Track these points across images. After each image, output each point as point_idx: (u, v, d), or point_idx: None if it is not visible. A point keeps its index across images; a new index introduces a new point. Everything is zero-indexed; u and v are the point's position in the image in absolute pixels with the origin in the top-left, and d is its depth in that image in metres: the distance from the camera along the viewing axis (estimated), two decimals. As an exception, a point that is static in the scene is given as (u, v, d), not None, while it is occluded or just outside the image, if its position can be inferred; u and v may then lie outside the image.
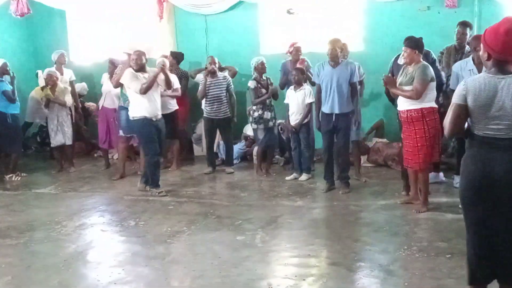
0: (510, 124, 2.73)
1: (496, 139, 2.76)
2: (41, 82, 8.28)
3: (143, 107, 6.09)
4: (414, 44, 5.10)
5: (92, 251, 4.60)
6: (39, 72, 8.43)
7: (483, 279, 2.94)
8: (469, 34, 6.07)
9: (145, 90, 6.00)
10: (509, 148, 2.74)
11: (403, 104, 5.15)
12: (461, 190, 2.95)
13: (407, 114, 5.11)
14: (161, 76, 6.17)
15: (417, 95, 4.99)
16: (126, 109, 6.96)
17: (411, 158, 5.17)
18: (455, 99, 2.86)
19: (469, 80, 2.87)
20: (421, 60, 5.12)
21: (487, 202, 2.80)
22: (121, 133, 7.21)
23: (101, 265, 4.22)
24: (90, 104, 9.03)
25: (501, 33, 2.69)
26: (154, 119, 6.17)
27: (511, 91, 2.70)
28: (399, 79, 5.20)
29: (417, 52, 5.08)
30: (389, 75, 5.29)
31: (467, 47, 5.97)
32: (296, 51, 7.24)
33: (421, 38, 5.19)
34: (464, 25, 6.09)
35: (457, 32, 6.11)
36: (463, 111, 2.83)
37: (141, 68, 6.15)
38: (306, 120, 6.65)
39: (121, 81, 6.38)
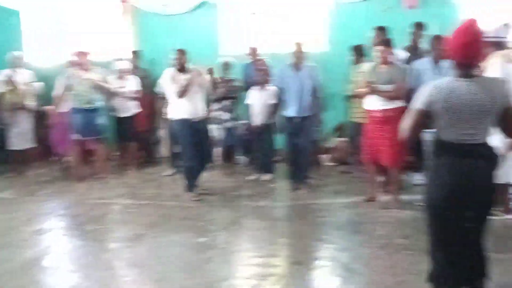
0: (481, 129, 2.68)
1: (470, 145, 2.68)
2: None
3: (182, 108, 5.87)
4: (390, 44, 5.17)
5: (50, 256, 4.47)
6: None
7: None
8: (421, 34, 6.29)
9: (180, 95, 5.80)
10: (482, 154, 2.69)
11: (378, 104, 5.17)
12: (433, 200, 2.80)
13: (384, 114, 5.14)
14: (202, 80, 5.95)
15: (403, 95, 5.03)
16: (84, 111, 6.82)
17: (386, 156, 5.22)
18: (419, 104, 2.77)
19: (436, 84, 2.77)
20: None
21: (461, 210, 2.71)
22: (77, 136, 6.99)
23: (59, 271, 4.10)
24: (49, 108, 8.78)
25: (460, 37, 2.68)
26: (193, 120, 5.95)
27: (479, 95, 2.65)
28: (372, 79, 5.19)
29: (391, 52, 5.16)
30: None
31: (422, 46, 6.16)
32: (253, 52, 7.28)
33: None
34: (417, 26, 6.33)
35: (411, 33, 6.29)
36: (426, 118, 2.77)
37: (183, 68, 5.91)
38: (269, 121, 6.66)
39: (160, 81, 6.16)
